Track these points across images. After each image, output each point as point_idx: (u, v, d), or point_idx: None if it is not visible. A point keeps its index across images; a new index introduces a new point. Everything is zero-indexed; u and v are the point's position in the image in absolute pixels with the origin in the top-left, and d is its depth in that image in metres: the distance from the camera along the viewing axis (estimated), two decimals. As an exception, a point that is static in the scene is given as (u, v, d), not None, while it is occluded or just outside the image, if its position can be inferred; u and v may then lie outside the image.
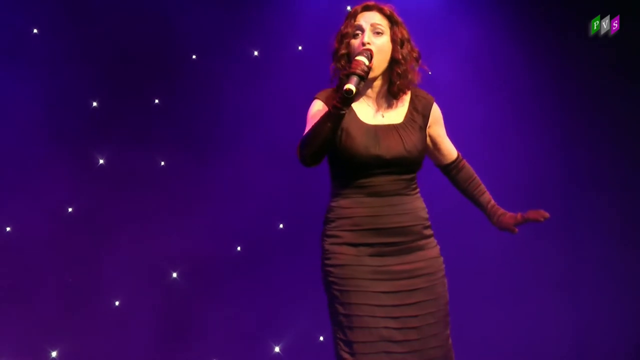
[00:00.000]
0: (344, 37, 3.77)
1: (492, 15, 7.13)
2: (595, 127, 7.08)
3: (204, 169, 6.76)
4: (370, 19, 3.78)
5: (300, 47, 7.01)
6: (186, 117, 6.77)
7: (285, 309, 6.77)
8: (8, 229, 6.41)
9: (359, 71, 3.53)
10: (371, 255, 3.74)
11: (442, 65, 6.88)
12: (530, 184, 7.00)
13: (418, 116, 3.84)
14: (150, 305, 6.59)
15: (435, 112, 3.93)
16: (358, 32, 3.77)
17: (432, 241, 3.86)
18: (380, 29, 3.77)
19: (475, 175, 4.04)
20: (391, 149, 3.71)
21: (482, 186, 4.02)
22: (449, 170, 4.01)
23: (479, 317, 6.79)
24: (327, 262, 3.78)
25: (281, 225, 6.91)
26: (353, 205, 3.75)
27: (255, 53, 6.94)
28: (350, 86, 3.47)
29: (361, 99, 3.82)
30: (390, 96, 3.85)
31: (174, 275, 6.66)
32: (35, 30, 6.53)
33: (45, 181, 6.46)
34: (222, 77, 6.84)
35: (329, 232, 3.80)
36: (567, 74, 7.08)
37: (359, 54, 3.64)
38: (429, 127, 3.89)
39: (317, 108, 3.76)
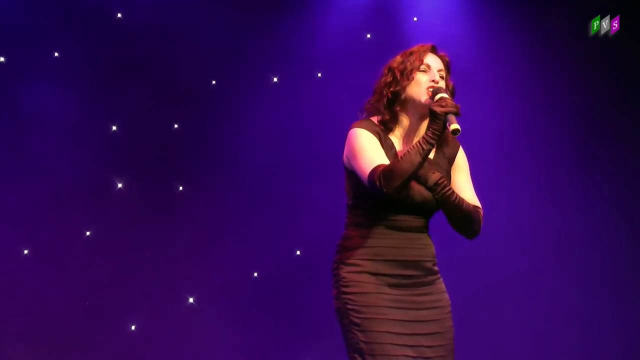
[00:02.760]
0: (410, 70, 3.78)
1: (491, 15, 7.15)
2: (595, 127, 7.11)
3: (222, 194, 6.77)
4: (436, 64, 3.82)
5: (319, 74, 7.03)
6: (205, 142, 6.79)
7: (303, 336, 6.76)
8: (26, 251, 6.42)
9: (456, 110, 3.61)
10: (390, 285, 3.76)
11: (432, 27, 6.95)
12: (529, 183, 7.07)
13: (444, 160, 3.88)
14: (167, 329, 6.58)
15: (461, 158, 3.96)
16: (425, 69, 3.80)
17: (440, 277, 3.91)
18: (441, 74, 3.83)
19: None
20: (423, 191, 3.75)
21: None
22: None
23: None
24: (345, 289, 3.78)
25: (298, 252, 6.91)
26: (375, 236, 3.77)
27: (275, 79, 6.96)
28: (458, 126, 3.56)
29: (401, 135, 3.84)
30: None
31: (191, 300, 6.65)
32: (56, 54, 6.56)
33: (64, 204, 6.47)
34: (242, 102, 6.86)
35: (347, 261, 3.80)
36: (567, 74, 7.10)
37: (438, 90, 3.70)
38: (452, 171, 3.91)
39: (369, 138, 3.76)
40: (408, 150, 3.63)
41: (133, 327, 6.54)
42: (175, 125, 6.77)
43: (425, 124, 3.80)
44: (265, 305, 6.78)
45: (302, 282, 6.82)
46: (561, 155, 7.12)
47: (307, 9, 7.03)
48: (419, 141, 3.63)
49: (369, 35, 7.12)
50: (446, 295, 3.87)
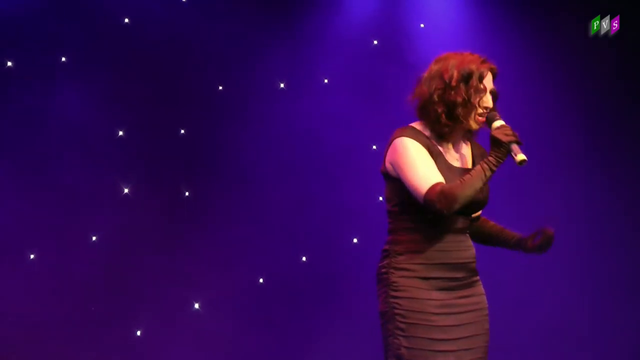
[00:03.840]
0: (475, 99, 3.78)
1: (491, 15, 7.15)
2: (595, 127, 7.12)
3: (229, 200, 6.77)
4: (490, 84, 3.86)
5: (326, 80, 7.04)
6: (212, 147, 6.79)
7: (309, 342, 6.75)
8: (32, 256, 6.42)
9: (517, 139, 3.70)
10: (439, 289, 3.81)
11: (439, 33, 6.95)
12: (530, 184, 7.06)
13: (479, 158, 3.95)
14: (172, 335, 6.57)
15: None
16: (484, 93, 3.82)
17: (479, 279, 3.97)
18: (493, 94, 3.86)
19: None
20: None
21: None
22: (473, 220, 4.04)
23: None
24: (394, 293, 3.81)
25: (304, 258, 6.90)
26: (425, 240, 3.81)
27: (282, 85, 6.97)
28: (525, 157, 3.66)
29: (447, 142, 3.86)
30: (462, 142, 3.94)
31: (197, 306, 6.65)
32: (63, 59, 6.57)
33: (70, 209, 6.47)
34: (248, 108, 6.87)
35: (397, 265, 3.83)
36: (567, 74, 7.12)
37: (493, 117, 3.78)
38: None
39: (419, 150, 3.76)
40: (470, 174, 3.69)
41: (139, 333, 6.53)
42: (182, 131, 6.78)
43: (463, 130, 3.85)
44: (271, 311, 6.78)
45: (307, 288, 6.82)
46: (561, 155, 7.13)
47: (314, 15, 7.04)
48: (482, 167, 3.68)
49: (375, 42, 7.13)
50: (484, 297, 3.95)
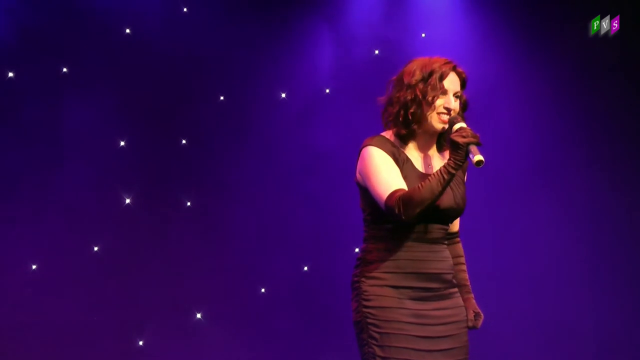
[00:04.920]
0: (432, 97, 3.74)
1: (491, 15, 7.15)
2: (595, 127, 7.11)
3: (230, 210, 6.78)
4: (454, 85, 3.80)
5: (327, 90, 7.04)
6: (213, 158, 6.79)
7: (310, 352, 6.75)
8: (34, 266, 6.42)
9: (477, 140, 3.61)
10: (412, 298, 3.77)
11: (440, 43, 6.94)
12: (529, 183, 7.08)
13: (459, 171, 3.87)
14: (174, 345, 6.57)
15: (466, 170, 3.98)
16: (443, 92, 3.78)
17: (457, 291, 3.92)
18: (458, 95, 3.81)
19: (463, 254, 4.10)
20: (444, 200, 3.75)
21: (465, 265, 4.08)
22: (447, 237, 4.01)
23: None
24: (366, 303, 3.79)
25: (305, 268, 6.90)
26: (396, 249, 3.77)
27: (283, 95, 6.97)
28: (482, 157, 3.55)
29: (415, 148, 3.84)
30: (437, 148, 3.88)
31: (198, 315, 6.65)
32: (64, 69, 6.58)
33: (71, 219, 6.47)
34: (250, 118, 6.87)
35: (368, 274, 3.80)
36: (567, 74, 7.10)
37: (454, 120, 3.71)
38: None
39: (383, 158, 3.74)
40: (429, 179, 3.63)
41: (141, 343, 6.53)
42: (183, 141, 6.78)
43: (434, 135, 3.83)
44: (273, 320, 6.77)
45: (309, 298, 6.82)
46: (561, 155, 7.12)
47: (315, 24, 7.04)
48: (440, 170, 3.62)
49: (377, 51, 7.12)
50: (463, 310, 3.88)
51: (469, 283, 4.03)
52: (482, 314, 3.94)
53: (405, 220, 3.62)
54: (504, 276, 6.97)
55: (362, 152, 3.81)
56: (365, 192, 3.80)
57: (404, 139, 3.80)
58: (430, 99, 3.74)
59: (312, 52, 7.01)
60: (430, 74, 3.77)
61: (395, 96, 3.81)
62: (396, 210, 3.60)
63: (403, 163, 3.76)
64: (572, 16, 6.99)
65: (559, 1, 7.13)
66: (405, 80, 3.79)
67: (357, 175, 3.83)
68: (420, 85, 3.76)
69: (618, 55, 6.98)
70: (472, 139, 3.59)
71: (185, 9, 6.81)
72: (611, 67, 7.03)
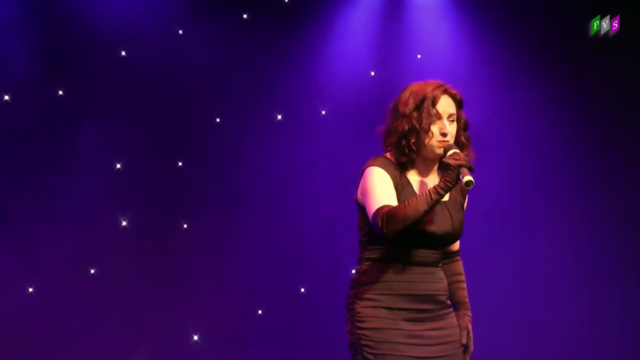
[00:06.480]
0: (428, 124, 3.75)
1: (490, 15, 7.16)
2: (595, 128, 7.12)
3: (227, 232, 6.77)
4: (448, 109, 3.79)
5: (323, 112, 7.05)
6: (209, 180, 6.80)
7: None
8: (30, 289, 6.42)
9: (469, 165, 3.62)
10: (406, 319, 3.77)
11: (436, 64, 6.93)
12: (531, 188, 7.08)
13: (459, 196, 3.91)
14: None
15: (466, 196, 3.98)
16: (437, 118, 3.79)
17: (452, 311, 3.93)
18: (453, 117, 3.81)
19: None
20: (442, 226, 3.77)
21: (465, 283, 4.07)
22: (444, 257, 4.01)
23: None
24: (360, 324, 3.79)
25: (302, 289, 6.90)
26: (391, 271, 3.79)
27: (279, 117, 6.98)
28: (471, 178, 3.57)
29: (416, 173, 3.85)
30: (439, 173, 3.88)
31: (195, 337, 6.64)
32: (60, 92, 6.59)
33: (68, 242, 6.47)
34: (246, 140, 6.88)
35: (363, 296, 3.81)
36: (567, 74, 7.10)
37: (450, 147, 3.71)
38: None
39: (382, 177, 3.76)
40: (416, 197, 3.65)
41: (138, 365, 6.54)
42: (180, 163, 6.79)
43: (435, 160, 3.83)
44: (270, 342, 6.76)
45: (306, 320, 6.81)
46: (561, 155, 7.12)
47: (311, 47, 7.06)
48: (429, 190, 3.63)
49: (373, 73, 7.14)
50: (457, 330, 3.88)
51: (467, 300, 4.04)
52: (472, 334, 3.94)
53: (388, 236, 3.62)
54: (504, 276, 6.96)
55: (364, 172, 3.82)
56: (364, 211, 3.81)
57: (404, 165, 3.82)
58: (426, 126, 3.75)
59: (307, 73, 7.03)
60: (422, 100, 3.78)
61: (393, 126, 3.81)
62: (379, 224, 3.61)
63: (404, 187, 3.78)
64: (572, 16, 6.98)
65: (559, 1, 7.12)
66: (400, 110, 3.80)
67: (358, 194, 3.84)
68: (415, 114, 3.76)
69: (618, 55, 6.99)
70: (464, 162, 3.61)
71: (180, 32, 6.83)
72: (611, 67, 7.02)
